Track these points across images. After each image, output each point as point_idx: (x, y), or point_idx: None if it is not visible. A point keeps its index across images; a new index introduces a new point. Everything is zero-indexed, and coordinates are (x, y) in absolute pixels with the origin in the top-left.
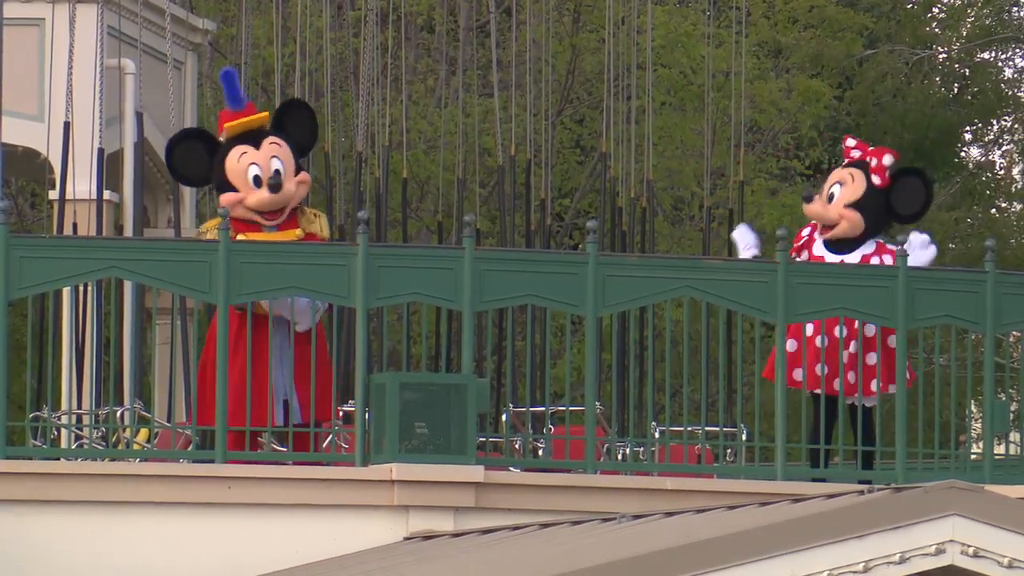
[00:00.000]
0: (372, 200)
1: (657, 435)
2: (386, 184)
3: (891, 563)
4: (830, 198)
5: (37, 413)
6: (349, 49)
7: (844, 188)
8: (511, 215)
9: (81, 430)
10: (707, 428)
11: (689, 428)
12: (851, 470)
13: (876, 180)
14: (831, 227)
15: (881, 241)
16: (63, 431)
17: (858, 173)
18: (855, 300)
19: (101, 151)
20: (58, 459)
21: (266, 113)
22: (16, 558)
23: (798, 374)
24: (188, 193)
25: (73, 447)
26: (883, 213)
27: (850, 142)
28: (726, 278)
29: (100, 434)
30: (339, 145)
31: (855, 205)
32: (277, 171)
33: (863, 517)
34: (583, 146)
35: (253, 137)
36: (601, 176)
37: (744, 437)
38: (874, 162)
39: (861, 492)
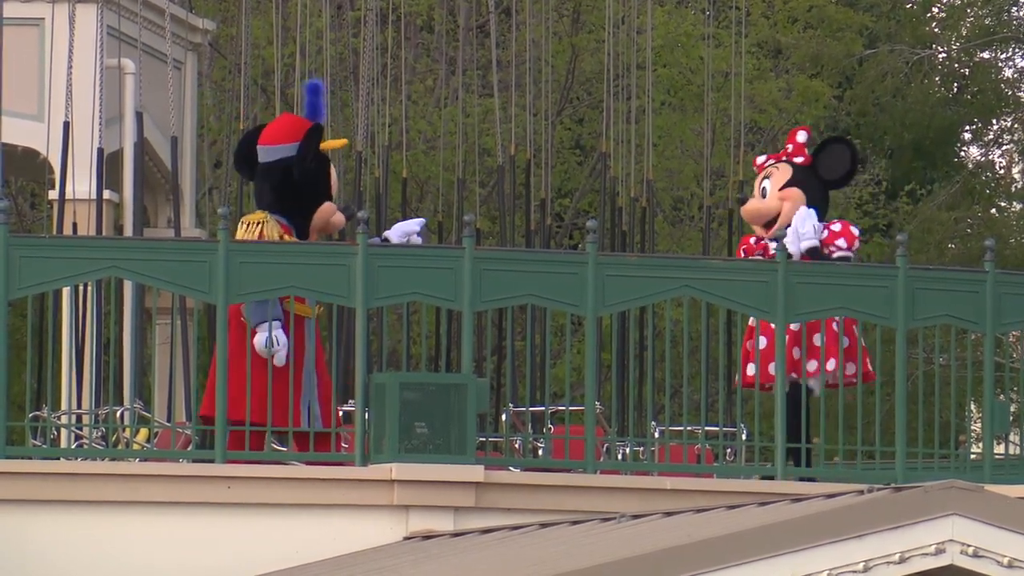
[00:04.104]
0: (372, 200)
1: (657, 435)
2: (386, 184)
3: (891, 563)
4: (763, 194)
5: (37, 413)
6: (349, 49)
7: (772, 179)
8: (511, 215)
9: (81, 430)
10: (707, 428)
11: (689, 428)
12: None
13: (799, 160)
14: (774, 222)
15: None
16: (63, 431)
17: (781, 164)
18: (855, 299)
19: (101, 151)
20: (58, 459)
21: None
22: (15, 558)
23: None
24: (188, 193)
25: (73, 447)
26: (818, 188)
27: (759, 159)
28: (726, 278)
29: (100, 434)
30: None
31: (787, 187)
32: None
33: (863, 517)
34: (583, 146)
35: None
36: (601, 176)
37: (744, 437)
38: (790, 147)
39: (861, 492)
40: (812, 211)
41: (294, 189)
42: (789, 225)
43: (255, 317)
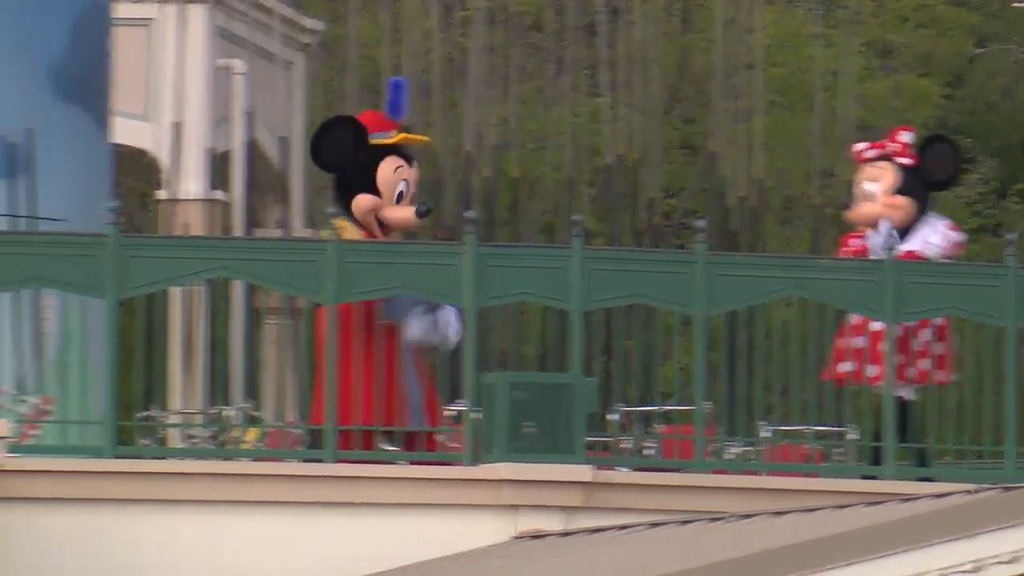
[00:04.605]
0: (481, 200)
1: (764, 435)
2: (495, 184)
3: (1001, 563)
4: (868, 196)
5: (147, 413)
6: (457, 49)
7: (881, 183)
8: (620, 215)
9: (191, 430)
10: (815, 428)
11: (798, 428)
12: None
13: (905, 161)
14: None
15: (935, 218)
16: (172, 431)
17: (884, 164)
18: (965, 299)
19: (210, 151)
20: (165, 459)
21: (427, 137)
22: (128, 557)
23: (869, 370)
24: (297, 193)
25: (184, 447)
26: (923, 191)
27: (858, 146)
28: (836, 277)
29: (210, 434)
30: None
31: (897, 192)
32: (413, 194)
33: (973, 516)
34: (692, 146)
35: (404, 154)
36: (710, 176)
37: (853, 437)
38: (895, 146)
39: (970, 491)
40: (942, 222)
41: (342, 188)
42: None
43: (395, 313)
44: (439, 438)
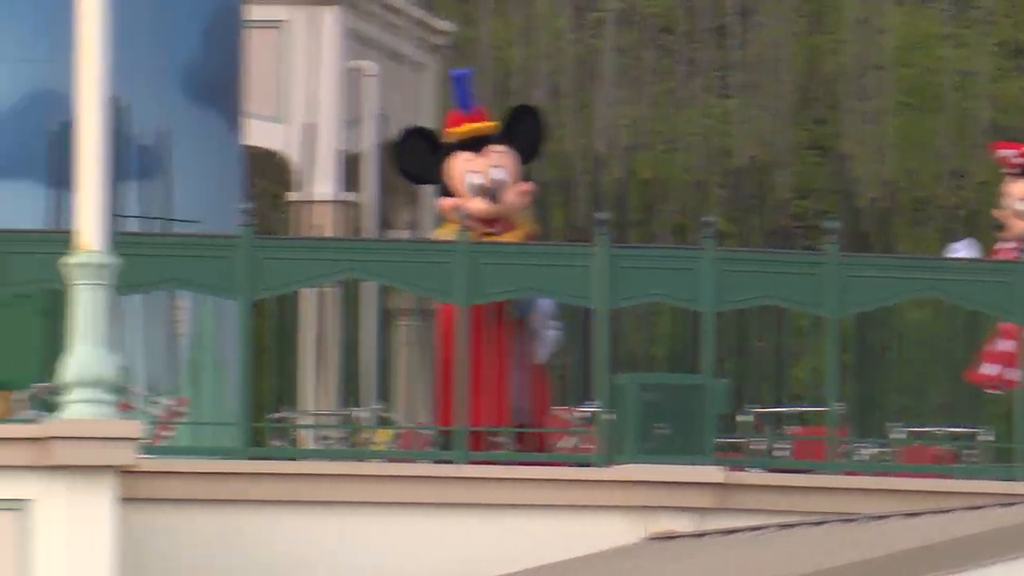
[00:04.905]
0: (612, 201)
1: (897, 436)
2: (626, 185)
3: None
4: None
5: (279, 414)
6: (589, 50)
7: None
8: (750, 216)
9: (323, 431)
10: (948, 429)
11: (931, 429)
12: None
13: None
14: None
15: None
16: (303, 432)
17: None
18: None
19: (341, 153)
20: (296, 459)
21: (495, 124)
22: (262, 558)
23: (1011, 373)
24: (427, 194)
25: (316, 448)
26: None
27: (1005, 152)
28: (970, 278)
29: (342, 435)
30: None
31: None
32: (496, 181)
33: None
34: (822, 147)
35: (478, 143)
36: (840, 177)
37: (986, 438)
38: None
39: None
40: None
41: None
42: None
43: (527, 310)
44: (568, 440)
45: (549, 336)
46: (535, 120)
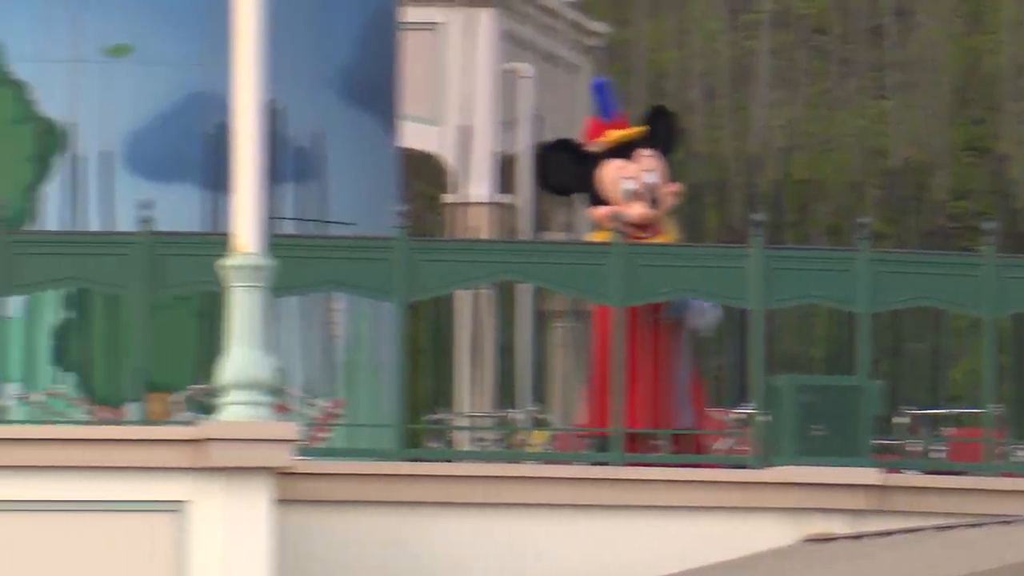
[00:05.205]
0: (767, 202)
1: None
2: (781, 186)
3: None
4: None
5: (435, 416)
6: (743, 52)
7: None
8: (906, 217)
9: (479, 432)
10: None
11: None
12: None
13: None
14: None
15: None
16: (459, 433)
17: None
18: None
19: (497, 154)
20: (452, 461)
21: (645, 128)
22: (419, 559)
23: None
24: (583, 196)
25: (472, 449)
26: None
27: None
28: None
29: (498, 436)
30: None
31: None
32: (650, 185)
33: None
34: (979, 147)
35: (626, 149)
36: (998, 177)
37: None
38: None
39: None
40: None
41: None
42: None
43: (682, 310)
44: (724, 442)
45: (706, 307)
46: (670, 120)
